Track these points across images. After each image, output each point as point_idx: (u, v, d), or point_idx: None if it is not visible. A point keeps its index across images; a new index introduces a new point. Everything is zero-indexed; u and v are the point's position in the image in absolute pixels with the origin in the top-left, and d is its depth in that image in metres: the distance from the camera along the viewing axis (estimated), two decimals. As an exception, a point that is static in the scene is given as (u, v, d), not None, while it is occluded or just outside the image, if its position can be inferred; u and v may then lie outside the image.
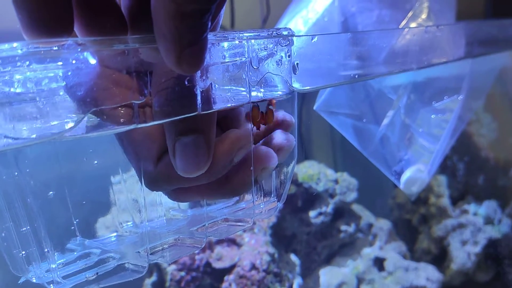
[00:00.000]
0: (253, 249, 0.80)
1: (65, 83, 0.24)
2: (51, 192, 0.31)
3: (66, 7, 0.22)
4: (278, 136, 0.34)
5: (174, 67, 0.24)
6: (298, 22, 0.83)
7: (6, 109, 0.23)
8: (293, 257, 0.94)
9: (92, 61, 0.24)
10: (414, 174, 0.71)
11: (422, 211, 1.14)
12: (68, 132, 0.24)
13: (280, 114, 0.36)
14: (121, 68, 0.25)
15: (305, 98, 0.75)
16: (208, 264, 0.78)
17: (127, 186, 0.37)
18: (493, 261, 1.08)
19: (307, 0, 0.83)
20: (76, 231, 0.34)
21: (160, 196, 0.36)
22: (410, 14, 0.79)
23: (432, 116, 0.71)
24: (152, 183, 0.31)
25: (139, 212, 0.36)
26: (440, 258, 1.11)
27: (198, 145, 0.28)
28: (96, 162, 0.34)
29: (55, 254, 0.32)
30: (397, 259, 0.99)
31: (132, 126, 0.27)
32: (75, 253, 0.34)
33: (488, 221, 1.11)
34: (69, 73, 0.24)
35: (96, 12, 0.24)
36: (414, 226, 1.15)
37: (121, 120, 0.27)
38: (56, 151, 0.30)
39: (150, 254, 0.34)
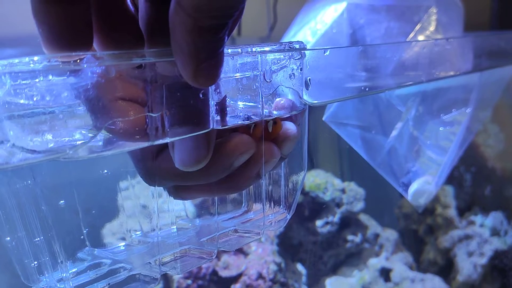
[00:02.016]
0: (260, 258, 0.81)
1: (83, 96, 0.24)
2: (62, 201, 0.32)
3: (87, 23, 0.23)
4: (282, 127, 0.33)
5: (190, 81, 0.24)
6: (306, 33, 0.83)
7: (25, 122, 0.24)
8: (299, 267, 0.94)
9: (110, 74, 0.25)
10: (422, 186, 0.71)
11: (429, 221, 1.13)
12: (82, 146, 0.25)
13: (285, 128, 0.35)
14: (138, 82, 0.26)
15: (312, 107, 0.75)
16: (214, 272, 0.78)
17: (136, 193, 0.37)
18: (499, 273, 1.07)
19: (315, 11, 0.84)
20: (86, 241, 0.35)
21: (168, 204, 0.35)
22: (418, 26, 0.79)
23: (441, 129, 0.71)
24: (150, 177, 0.31)
25: (149, 220, 0.37)
26: (446, 269, 1.10)
27: (197, 138, 0.28)
28: (105, 171, 0.35)
29: (67, 263, 0.32)
30: (403, 270, 0.99)
31: (147, 143, 0.27)
32: (86, 262, 0.34)
33: (495, 232, 1.11)
34: (88, 87, 0.24)
35: (114, 27, 0.25)
36: (421, 236, 1.15)
37: (136, 135, 0.27)
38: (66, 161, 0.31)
39: (160, 265, 0.34)
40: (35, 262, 0.32)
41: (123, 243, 0.38)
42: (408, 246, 1.12)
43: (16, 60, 0.22)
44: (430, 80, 0.57)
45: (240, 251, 0.82)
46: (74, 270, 0.33)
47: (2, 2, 0.61)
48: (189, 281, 0.77)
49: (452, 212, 1.12)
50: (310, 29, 0.81)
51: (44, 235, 0.31)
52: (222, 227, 0.38)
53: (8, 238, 0.33)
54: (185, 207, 0.40)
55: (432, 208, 1.12)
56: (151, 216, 0.36)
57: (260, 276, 0.78)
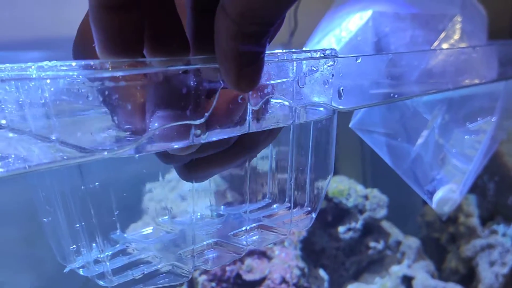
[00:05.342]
0: (284, 263, 0.81)
1: (130, 100, 0.26)
2: (97, 183, 0.32)
3: (140, 30, 0.24)
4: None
5: (233, 85, 0.26)
6: (331, 40, 0.83)
7: (75, 120, 0.25)
8: (321, 272, 0.94)
9: (157, 80, 0.26)
10: (446, 194, 0.71)
11: (451, 230, 1.13)
12: (132, 147, 0.26)
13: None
14: (183, 87, 0.27)
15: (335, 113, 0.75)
16: (238, 276, 0.79)
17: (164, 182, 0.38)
18: (521, 283, 1.06)
19: (340, 19, 0.84)
20: (117, 224, 0.36)
21: (193, 191, 0.36)
22: (443, 35, 0.80)
23: (466, 137, 0.71)
24: (166, 155, 0.31)
25: (176, 205, 0.38)
26: (468, 278, 1.10)
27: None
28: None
29: (104, 246, 0.33)
30: (425, 278, 0.98)
31: (187, 144, 0.28)
32: (118, 246, 0.36)
33: (517, 242, 1.10)
34: (136, 91, 0.26)
35: (163, 34, 0.26)
36: (443, 245, 1.14)
37: (178, 139, 0.28)
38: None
39: (192, 256, 0.35)
40: (74, 246, 0.34)
41: (151, 227, 0.39)
42: (430, 254, 1.11)
43: (74, 63, 0.23)
44: (456, 88, 0.58)
45: (264, 255, 0.82)
46: (109, 252, 0.34)
47: (24, 6, 0.63)
48: (213, 284, 0.78)
49: (474, 221, 1.11)
50: (334, 36, 0.82)
51: (85, 220, 0.32)
52: (247, 220, 0.39)
53: (46, 220, 0.35)
54: (210, 193, 0.40)
55: (454, 217, 1.11)
56: (178, 201, 0.37)
57: (283, 280, 0.78)
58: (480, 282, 1.04)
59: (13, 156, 0.25)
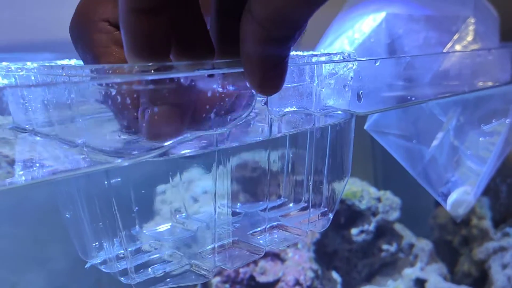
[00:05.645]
0: (297, 265, 0.81)
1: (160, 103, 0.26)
2: (118, 179, 0.32)
3: (167, 34, 0.25)
4: None
5: (257, 89, 0.26)
6: (344, 42, 0.84)
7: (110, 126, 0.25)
8: (334, 275, 0.94)
9: (185, 83, 0.26)
10: (461, 196, 0.71)
11: (464, 232, 1.12)
12: (162, 150, 0.26)
13: None
14: (208, 90, 0.27)
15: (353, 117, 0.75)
16: (252, 277, 0.79)
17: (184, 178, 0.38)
18: (534, 286, 1.06)
19: (352, 20, 0.84)
20: (136, 220, 0.36)
21: (215, 185, 0.35)
22: (456, 36, 0.79)
23: (480, 139, 0.71)
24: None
25: (193, 202, 0.38)
26: (480, 281, 1.09)
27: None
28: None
29: (126, 241, 0.33)
30: (438, 281, 0.98)
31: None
32: (138, 242, 0.36)
33: (529, 245, 1.09)
34: (164, 94, 0.26)
35: (189, 38, 0.27)
36: (455, 247, 1.14)
37: (202, 142, 0.29)
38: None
39: (212, 255, 0.35)
40: (96, 243, 0.34)
41: (168, 224, 0.39)
42: (442, 257, 1.11)
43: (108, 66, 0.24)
44: (472, 91, 0.58)
45: (277, 257, 0.82)
46: (131, 248, 0.34)
47: (36, 8, 0.63)
48: (227, 286, 0.78)
49: (487, 224, 1.10)
50: (347, 38, 0.82)
51: (108, 216, 0.32)
52: (264, 218, 0.39)
53: (68, 216, 0.35)
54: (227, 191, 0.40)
55: (467, 219, 1.11)
56: (195, 199, 0.37)
57: (297, 282, 0.78)
58: (493, 284, 1.04)
59: (37, 164, 0.26)
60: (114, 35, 0.28)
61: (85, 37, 0.29)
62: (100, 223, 0.32)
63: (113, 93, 0.24)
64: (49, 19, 0.62)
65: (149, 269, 0.34)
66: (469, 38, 0.79)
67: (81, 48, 0.29)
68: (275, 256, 0.82)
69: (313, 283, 0.80)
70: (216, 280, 0.79)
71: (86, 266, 0.35)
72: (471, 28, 0.79)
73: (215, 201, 0.33)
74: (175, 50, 0.26)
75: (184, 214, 0.40)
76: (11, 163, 0.25)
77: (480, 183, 0.73)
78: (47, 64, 0.35)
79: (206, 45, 0.27)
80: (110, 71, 0.24)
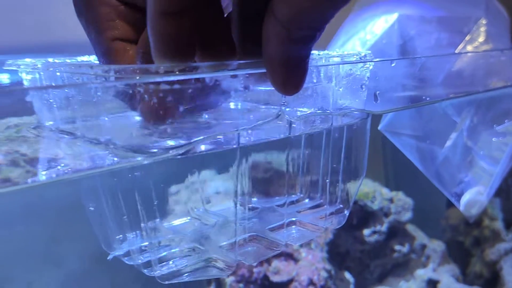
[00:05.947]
0: (311, 265, 0.82)
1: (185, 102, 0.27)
2: (138, 173, 0.32)
3: (192, 35, 0.25)
4: None
5: (279, 88, 0.26)
6: (356, 43, 0.84)
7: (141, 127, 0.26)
8: (347, 275, 0.94)
9: (209, 84, 0.27)
10: (474, 196, 0.71)
11: (475, 233, 1.12)
12: (188, 147, 0.27)
13: None
14: (230, 90, 0.28)
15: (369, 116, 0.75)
16: (265, 277, 0.80)
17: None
18: (545, 287, 1.05)
19: (364, 22, 0.84)
20: (156, 213, 0.36)
21: (236, 174, 0.35)
22: (468, 37, 0.80)
23: (493, 139, 0.71)
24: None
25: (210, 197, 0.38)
26: (492, 282, 1.09)
27: None
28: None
29: (148, 233, 0.33)
30: (450, 282, 0.98)
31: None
32: (159, 235, 0.36)
33: (541, 246, 1.09)
34: (189, 93, 0.26)
35: (212, 39, 0.27)
36: (467, 248, 1.14)
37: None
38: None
39: (233, 250, 0.35)
40: (120, 235, 0.34)
41: (187, 218, 0.39)
42: (454, 257, 1.11)
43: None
44: (486, 91, 0.58)
45: (291, 257, 0.83)
46: (154, 241, 0.34)
47: (45, 11, 0.64)
48: (241, 285, 0.78)
49: (499, 225, 1.10)
50: (359, 40, 0.82)
51: (131, 208, 0.32)
52: (282, 214, 0.39)
53: (92, 208, 0.35)
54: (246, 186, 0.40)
55: (479, 220, 1.11)
56: (208, 199, 0.38)
57: (311, 282, 0.79)
58: (504, 285, 1.04)
59: (62, 163, 0.26)
60: (119, 9, 0.28)
61: (90, 8, 0.28)
62: (124, 217, 0.32)
63: (141, 91, 0.25)
64: (52, 20, 0.63)
65: (171, 262, 0.34)
66: (481, 39, 0.79)
67: (85, 20, 0.29)
68: (289, 256, 0.82)
69: (326, 283, 0.81)
70: (230, 279, 0.79)
71: (108, 258, 0.35)
72: (482, 29, 0.80)
73: (236, 196, 0.34)
74: (198, 51, 0.27)
75: (201, 208, 0.40)
76: (29, 161, 0.26)
77: (493, 183, 0.73)
78: (68, 61, 0.35)
79: (228, 45, 0.28)
80: (138, 71, 0.25)
